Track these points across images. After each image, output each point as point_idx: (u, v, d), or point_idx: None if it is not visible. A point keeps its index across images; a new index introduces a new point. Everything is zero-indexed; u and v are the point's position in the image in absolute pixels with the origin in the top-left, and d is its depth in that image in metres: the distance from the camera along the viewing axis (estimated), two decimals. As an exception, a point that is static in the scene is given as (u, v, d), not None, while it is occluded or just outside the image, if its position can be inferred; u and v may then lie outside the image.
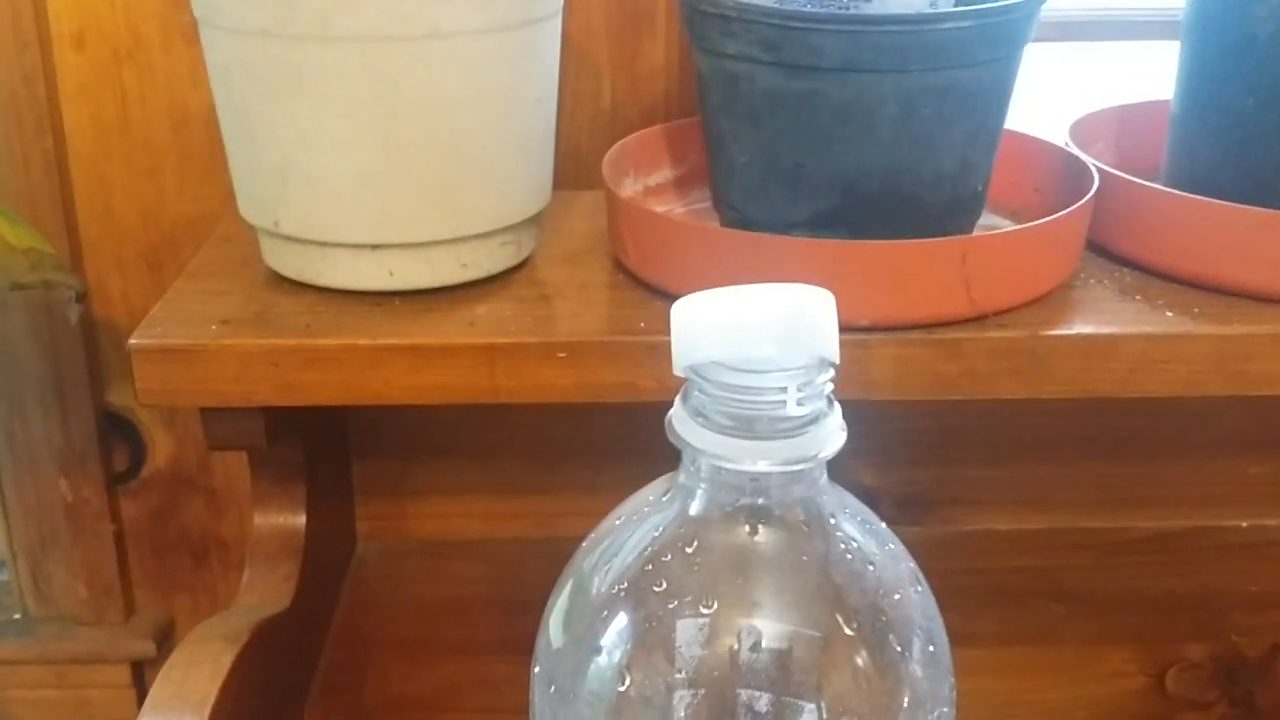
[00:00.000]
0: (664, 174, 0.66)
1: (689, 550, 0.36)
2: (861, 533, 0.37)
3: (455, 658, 0.68)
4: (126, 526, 0.80)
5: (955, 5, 0.55)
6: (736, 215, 0.59)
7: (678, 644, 0.35)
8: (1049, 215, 0.55)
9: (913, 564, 0.38)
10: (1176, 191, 0.58)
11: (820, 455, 0.35)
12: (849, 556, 0.37)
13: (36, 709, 0.82)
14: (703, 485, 0.36)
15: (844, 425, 0.36)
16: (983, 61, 0.54)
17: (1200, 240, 0.57)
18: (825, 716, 0.35)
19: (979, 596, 0.70)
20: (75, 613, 0.81)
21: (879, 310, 0.53)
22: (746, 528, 0.36)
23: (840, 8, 0.54)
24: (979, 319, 0.54)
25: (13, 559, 0.80)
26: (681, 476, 0.37)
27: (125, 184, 0.72)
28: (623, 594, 0.36)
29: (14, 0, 0.68)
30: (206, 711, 0.51)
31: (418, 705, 0.65)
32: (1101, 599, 0.72)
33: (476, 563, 0.76)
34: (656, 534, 0.37)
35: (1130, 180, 0.59)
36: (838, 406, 0.36)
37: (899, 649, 0.36)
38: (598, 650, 0.36)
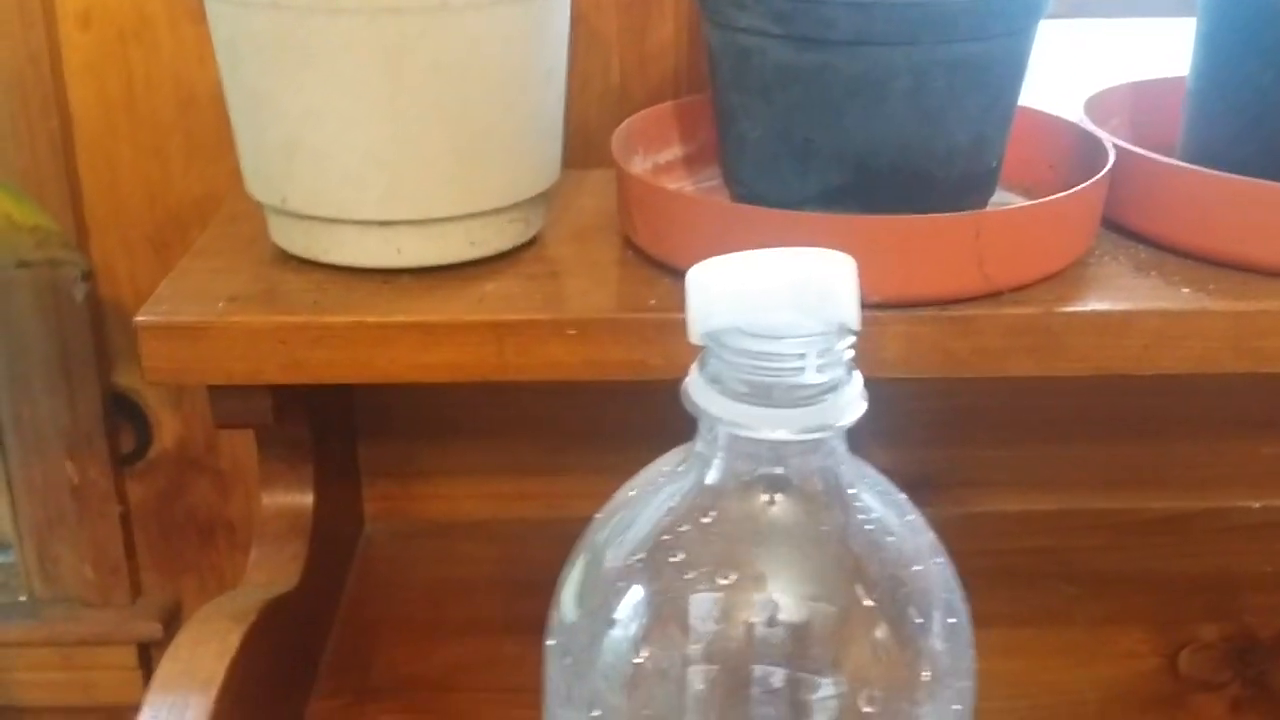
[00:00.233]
0: (674, 151, 0.65)
1: (705, 520, 0.36)
2: (881, 503, 0.37)
3: (463, 638, 0.67)
4: (133, 508, 0.80)
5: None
6: (747, 191, 0.58)
7: (694, 616, 0.35)
8: (1063, 192, 0.55)
9: (933, 535, 0.38)
10: (1192, 167, 0.58)
11: (839, 424, 0.34)
12: (868, 527, 0.36)
13: (43, 691, 0.81)
14: (719, 454, 0.36)
15: (865, 394, 0.35)
16: (996, 35, 0.54)
17: (1216, 216, 0.56)
18: (845, 690, 0.35)
19: (990, 577, 0.70)
20: (82, 594, 0.80)
21: (891, 286, 0.53)
22: (764, 497, 0.35)
23: (852, -20, 0.53)
24: (992, 296, 0.54)
25: (19, 540, 0.80)
26: (698, 445, 0.36)
27: (131, 163, 0.72)
28: (638, 566, 0.36)
29: (20, -21, 0.67)
30: (214, 690, 0.51)
31: (425, 685, 0.65)
32: (1114, 580, 0.72)
33: (484, 543, 0.75)
34: (673, 504, 0.36)
35: (1146, 156, 0.58)
36: (858, 374, 0.35)
37: (919, 621, 0.36)
38: (612, 623, 0.36)
